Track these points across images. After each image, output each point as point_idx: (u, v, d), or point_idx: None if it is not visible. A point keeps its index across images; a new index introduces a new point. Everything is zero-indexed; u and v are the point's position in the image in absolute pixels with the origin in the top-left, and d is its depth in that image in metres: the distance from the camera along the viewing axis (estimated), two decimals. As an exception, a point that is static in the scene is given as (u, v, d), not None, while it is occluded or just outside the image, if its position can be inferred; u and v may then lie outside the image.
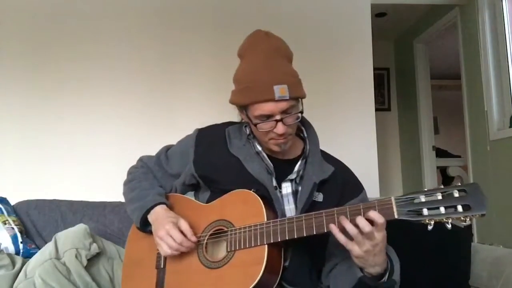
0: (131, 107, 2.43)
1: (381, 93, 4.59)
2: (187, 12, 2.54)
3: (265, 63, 1.14)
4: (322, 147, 1.32)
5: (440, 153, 4.51)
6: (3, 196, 1.96)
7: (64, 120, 2.36)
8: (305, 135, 1.31)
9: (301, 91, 1.17)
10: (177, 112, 2.44)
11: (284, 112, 1.14)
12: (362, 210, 0.98)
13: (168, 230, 1.16)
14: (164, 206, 1.26)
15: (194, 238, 1.16)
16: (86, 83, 2.41)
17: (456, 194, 0.91)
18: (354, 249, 0.98)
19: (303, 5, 2.63)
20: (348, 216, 0.99)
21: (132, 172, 1.42)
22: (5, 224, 1.78)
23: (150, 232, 1.23)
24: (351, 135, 2.57)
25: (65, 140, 2.34)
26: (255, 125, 1.17)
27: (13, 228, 1.78)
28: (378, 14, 3.90)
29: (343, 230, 0.99)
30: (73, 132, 2.35)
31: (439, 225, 0.93)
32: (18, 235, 1.77)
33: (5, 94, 2.33)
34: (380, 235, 0.97)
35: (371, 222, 0.96)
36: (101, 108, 2.39)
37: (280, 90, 1.10)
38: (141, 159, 1.45)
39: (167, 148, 1.42)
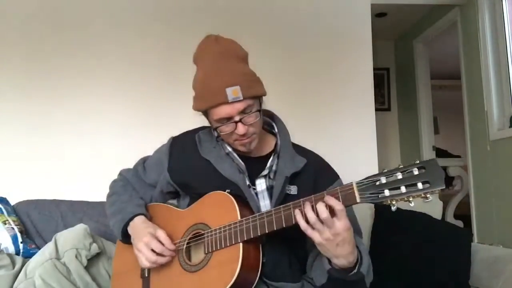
0: (132, 107, 2.42)
1: (381, 93, 4.58)
2: (187, 13, 2.54)
3: (216, 67, 1.14)
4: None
5: (440, 153, 4.51)
6: (3, 196, 1.96)
7: (64, 120, 2.36)
8: (276, 130, 1.31)
9: (256, 89, 1.17)
10: (178, 113, 2.42)
11: (242, 112, 1.14)
12: (325, 197, 0.98)
13: (147, 242, 1.16)
14: (142, 217, 1.26)
15: (172, 246, 1.17)
16: (86, 83, 2.40)
17: (416, 172, 0.89)
18: (315, 236, 0.98)
19: (303, 5, 2.63)
20: (314, 203, 0.98)
21: (112, 186, 1.44)
22: (5, 224, 1.78)
23: None
24: (351, 135, 2.56)
25: (65, 140, 2.34)
26: (216, 128, 1.18)
27: (13, 228, 1.78)
28: (378, 14, 3.90)
29: (306, 218, 0.99)
30: (73, 132, 2.35)
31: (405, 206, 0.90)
32: (18, 235, 1.77)
33: (5, 94, 2.33)
34: (341, 224, 0.96)
35: (333, 210, 0.96)
36: (101, 108, 2.39)
37: (233, 92, 1.11)
38: (120, 173, 1.47)
39: (144, 160, 1.43)
